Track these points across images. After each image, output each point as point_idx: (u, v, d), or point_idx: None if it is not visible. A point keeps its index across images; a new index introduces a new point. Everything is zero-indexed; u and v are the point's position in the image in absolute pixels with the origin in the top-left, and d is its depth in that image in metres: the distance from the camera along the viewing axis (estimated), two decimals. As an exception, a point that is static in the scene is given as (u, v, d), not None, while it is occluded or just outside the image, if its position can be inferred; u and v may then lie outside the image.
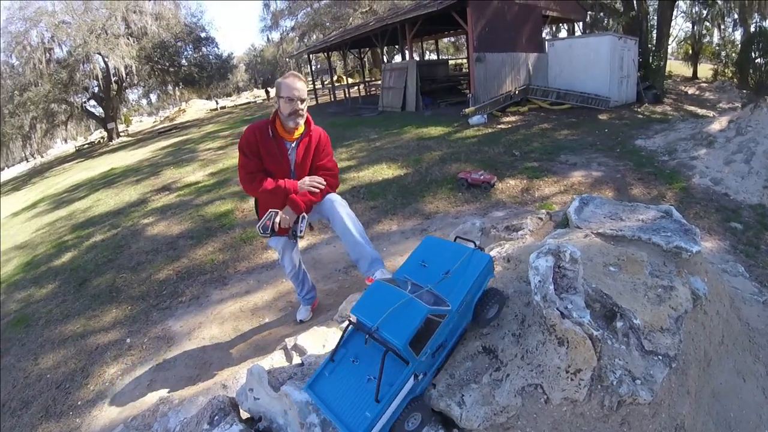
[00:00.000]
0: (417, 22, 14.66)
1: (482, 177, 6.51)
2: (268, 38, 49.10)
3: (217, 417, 2.02)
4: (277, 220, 2.84)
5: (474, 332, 1.97)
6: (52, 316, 5.05)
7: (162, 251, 6.19)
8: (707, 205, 6.03)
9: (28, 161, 32.80)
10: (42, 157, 31.11)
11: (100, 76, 24.64)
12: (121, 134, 29.61)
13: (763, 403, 2.35)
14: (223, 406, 2.06)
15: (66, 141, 34.51)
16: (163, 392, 3.22)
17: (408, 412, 1.64)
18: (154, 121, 39.70)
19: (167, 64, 26.86)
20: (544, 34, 16.88)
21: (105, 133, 29.61)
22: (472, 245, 1.97)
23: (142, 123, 41.17)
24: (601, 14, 22.56)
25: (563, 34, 28.10)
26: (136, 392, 3.33)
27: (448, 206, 6.08)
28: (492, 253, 2.51)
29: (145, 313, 4.58)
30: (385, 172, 7.99)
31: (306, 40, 35.63)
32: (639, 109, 13.27)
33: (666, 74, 20.16)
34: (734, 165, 7.21)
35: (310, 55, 25.02)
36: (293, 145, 2.98)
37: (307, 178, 2.97)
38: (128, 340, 4.10)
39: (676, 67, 29.26)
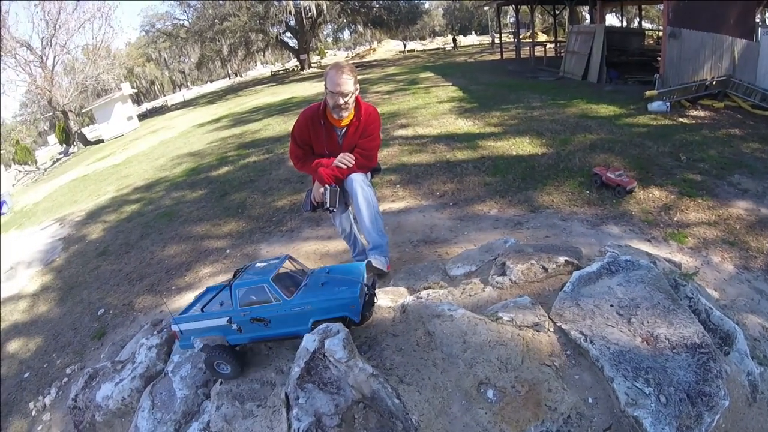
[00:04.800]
0: (614, -19, 13.22)
1: (619, 178, 5.78)
2: (467, -16, 48.49)
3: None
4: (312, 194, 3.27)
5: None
6: (190, 216, 6.38)
7: (292, 182, 7.12)
8: None
9: (230, 78, 38.89)
10: (241, 77, 36.65)
11: (293, 12, 27.57)
12: (312, 65, 33.04)
13: None
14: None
15: (264, 65, 39.83)
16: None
17: (217, 352, 2.15)
18: (346, 56, 43.14)
19: (357, 5, 28.68)
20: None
21: (298, 63, 33.36)
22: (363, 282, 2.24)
23: (335, 57, 44.97)
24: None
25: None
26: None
27: (565, 203, 5.63)
28: (410, 298, 2.49)
29: (251, 232, 5.52)
30: (523, 147, 7.75)
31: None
32: None
33: None
34: None
35: (501, 7, 24.23)
36: (343, 131, 3.24)
37: (340, 155, 3.18)
38: (228, 251, 5.08)
39: None
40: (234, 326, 2.11)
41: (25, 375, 4.03)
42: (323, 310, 2.08)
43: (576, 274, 2.38)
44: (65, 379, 3.74)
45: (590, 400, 1.75)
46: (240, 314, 2.11)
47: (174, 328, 2.24)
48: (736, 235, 4.97)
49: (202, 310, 2.22)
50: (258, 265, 2.34)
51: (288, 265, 2.35)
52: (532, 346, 1.92)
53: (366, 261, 3.33)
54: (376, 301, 2.34)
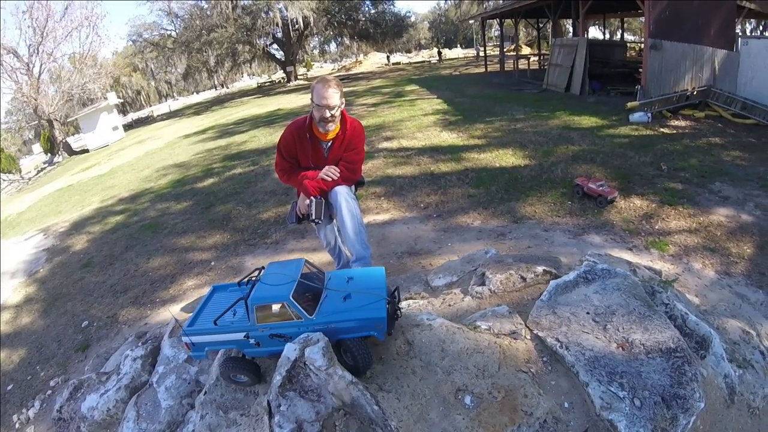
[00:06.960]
0: (592, -4, 13.47)
1: (600, 189, 5.87)
2: (452, -3, 49.27)
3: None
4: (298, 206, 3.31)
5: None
6: (175, 228, 6.39)
7: (277, 194, 7.16)
8: None
9: (216, 89, 38.94)
10: (227, 88, 36.75)
11: (280, 24, 27.88)
12: (299, 77, 33.26)
13: None
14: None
15: (251, 77, 39.95)
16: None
17: (233, 365, 2.09)
18: (333, 69, 43.41)
19: (344, 17, 29.09)
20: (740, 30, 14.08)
21: (284, 75, 33.60)
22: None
23: (322, 69, 45.21)
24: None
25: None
26: (191, 306, 4.19)
27: (547, 214, 5.71)
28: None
29: (236, 244, 5.55)
30: (506, 159, 7.89)
31: (485, 5, 35.09)
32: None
33: None
34: None
35: (485, 21, 24.62)
36: (328, 144, 3.30)
37: (326, 168, 3.23)
38: (212, 263, 5.11)
39: None
40: (252, 341, 2.06)
41: (9, 387, 4.00)
42: (348, 329, 2.01)
43: (553, 283, 2.44)
44: (49, 392, 3.73)
45: (566, 405, 1.80)
46: (258, 330, 2.04)
47: (185, 340, 2.16)
48: (716, 241, 5.05)
49: (215, 323, 2.12)
50: (274, 272, 2.21)
51: (304, 269, 2.27)
52: (509, 354, 1.97)
53: None
54: (399, 315, 2.24)
